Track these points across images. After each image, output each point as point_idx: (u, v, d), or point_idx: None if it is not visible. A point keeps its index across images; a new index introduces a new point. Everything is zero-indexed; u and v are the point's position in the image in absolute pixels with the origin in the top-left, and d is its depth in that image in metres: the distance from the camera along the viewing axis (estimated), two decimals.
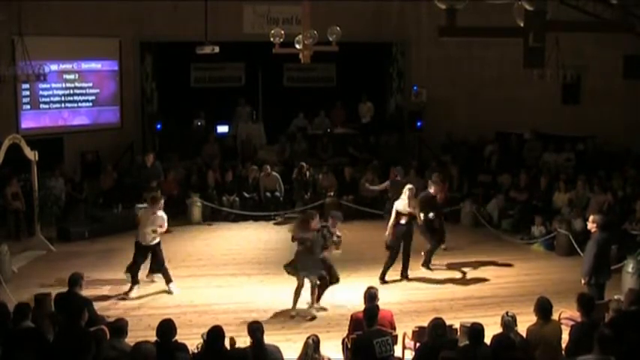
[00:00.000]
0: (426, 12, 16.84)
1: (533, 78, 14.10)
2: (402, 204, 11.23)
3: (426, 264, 11.82)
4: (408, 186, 11.51)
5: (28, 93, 15.61)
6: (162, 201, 10.98)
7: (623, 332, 6.78)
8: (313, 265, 9.71)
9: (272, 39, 8.97)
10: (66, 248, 13.04)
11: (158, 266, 10.81)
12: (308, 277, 9.75)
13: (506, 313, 7.13)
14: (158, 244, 10.73)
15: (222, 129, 17.88)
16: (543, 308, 7.17)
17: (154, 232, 10.56)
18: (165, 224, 10.75)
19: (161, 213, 10.70)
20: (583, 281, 9.17)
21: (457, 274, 11.75)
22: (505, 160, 16.51)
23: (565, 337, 7.28)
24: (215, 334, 6.68)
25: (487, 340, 6.82)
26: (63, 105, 16.40)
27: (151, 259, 10.86)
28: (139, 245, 10.66)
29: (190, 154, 16.63)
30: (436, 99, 18.04)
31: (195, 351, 6.85)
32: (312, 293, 9.83)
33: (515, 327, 7.04)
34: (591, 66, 16.48)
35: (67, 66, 16.25)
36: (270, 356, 6.84)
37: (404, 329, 8.10)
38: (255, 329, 6.90)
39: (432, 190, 11.86)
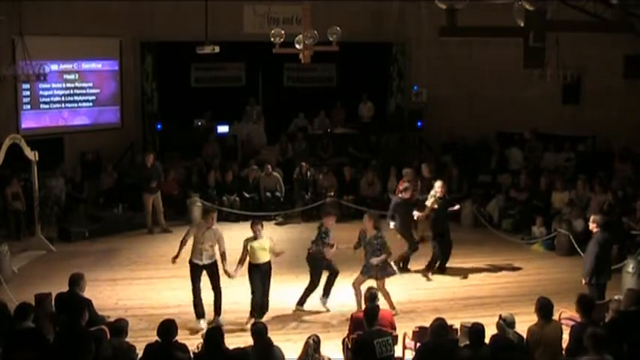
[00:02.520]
0: (426, 12, 16.82)
1: (533, 78, 14.09)
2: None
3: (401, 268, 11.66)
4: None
5: (28, 93, 15.62)
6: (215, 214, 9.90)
7: (624, 332, 6.80)
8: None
9: (272, 39, 8.96)
10: (66, 248, 13.05)
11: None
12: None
13: (500, 316, 7.15)
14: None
15: (223, 129, 17.87)
16: (544, 308, 7.17)
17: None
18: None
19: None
20: (584, 281, 9.19)
21: (457, 274, 11.75)
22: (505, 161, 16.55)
23: (566, 337, 7.29)
24: (213, 333, 6.69)
25: (487, 340, 6.83)
26: (63, 105, 16.40)
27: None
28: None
29: (191, 154, 16.63)
30: (436, 99, 18.03)
31: (196, 351, 6.86)
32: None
33: (510, 329, 7.05)
34: (591, 66, 16.45)
35: (68, 66, 16.26)
36: (271, 356, 6.84)
37: (404, 329, 8.11)
38: (258, 330, 6.91)
39: (406, 194, 11.83)
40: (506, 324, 7.01)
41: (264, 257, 9.60)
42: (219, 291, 9.61)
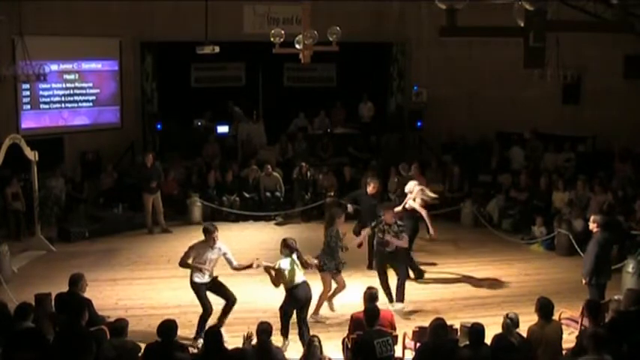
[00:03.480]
0: (426, 12, 16.82)
1: (533, 78, 14.09)
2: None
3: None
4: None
5: (28, 93, 15.62)
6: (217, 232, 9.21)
7: (624, 332, 6.80)
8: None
9: (272, 39, 8.97)
10: (66, 248, 13.05)
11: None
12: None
13: (507, 314, 7.13)
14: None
15: (223, 129, 17.88)
16: (544, 308, 7.18)
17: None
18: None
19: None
20: (584, 281, 9.19)
21: (457, 274, 11.75)
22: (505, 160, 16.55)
23: (566, 336, 7.29)
24: (212, 334, 6.69)
25: (487, 340, 6.83)
26: (63, 105, 16.40)
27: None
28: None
29: (191, 154, 16.63)
30: (436, 99, 18.04)
31: (196, 350, 6.87)
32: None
33: (515, 329, 7.04)
34: (591, 66, 16.44)
35: (67, 66, 16.26)
36: (272, 357, 6.84)
37: (404, 329, 8.11)
38: (262, 330, 6.92)
39: (369, 188, 11.77)
40: (512, 324, 7.01)
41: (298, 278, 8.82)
42: (235, 299, 9.21)
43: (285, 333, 8.82)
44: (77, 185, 15.21)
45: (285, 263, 8.78)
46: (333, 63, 19.19)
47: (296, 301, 8.73)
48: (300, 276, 8.77)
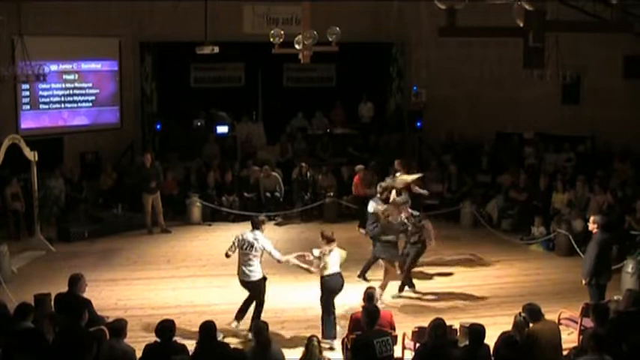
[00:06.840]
0: (426, 12, 16.83)
1: (533, 78, 14.08)
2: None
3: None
4: None
5: (27, 93, 15.60)
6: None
7: (623, 333, 6.80)
8: None
9: (272, 39, 8.96)
10: (66, 248, 13.04)
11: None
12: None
13: (520, 313, 7.14)
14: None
15: (222, 129, 17.88)
16: (531, 313, 7.18)
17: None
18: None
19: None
20: (584, 282, 9.18)
21: (457, 274, 11.74)
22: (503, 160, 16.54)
23: (565, 336, 7.28)
24: (206, 327, 6.69)
25: (487, 340, 6.82)
26: (63, 105, 16.38)
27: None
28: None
29: (190, 154, 16.63)
30: (436, 99, 18.03)
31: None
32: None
33: (526, 327, 7.04)
34: (591, 66, 16.43)
35: (67, 66, 16.24)
36: (271, 357, 6.84)
37: (404, 329, 8.10)
38: (258, 328, 6.91)
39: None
40: (525, 321, 7.03)
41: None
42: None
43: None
44: (77, 185, 15.20)
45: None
46: (333, 63, 19.21)
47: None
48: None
